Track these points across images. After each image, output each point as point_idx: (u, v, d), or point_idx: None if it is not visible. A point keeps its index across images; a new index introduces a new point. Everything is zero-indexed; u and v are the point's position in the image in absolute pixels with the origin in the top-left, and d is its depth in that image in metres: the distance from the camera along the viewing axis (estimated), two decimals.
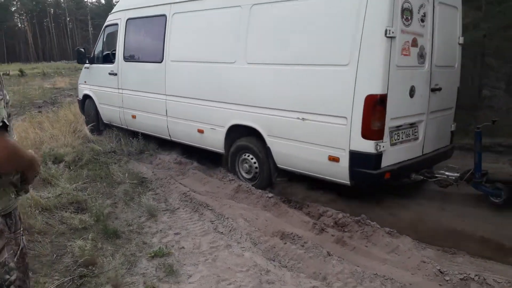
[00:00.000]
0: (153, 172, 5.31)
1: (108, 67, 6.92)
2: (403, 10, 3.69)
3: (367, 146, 3.69)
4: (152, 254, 3.16)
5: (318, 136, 4.04)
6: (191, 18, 5.32)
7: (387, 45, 3.56)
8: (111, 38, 7.18)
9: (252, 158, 4.82)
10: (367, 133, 3.67)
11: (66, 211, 3.92)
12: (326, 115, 3.93)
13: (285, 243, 3.25)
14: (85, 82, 7.97)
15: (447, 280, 2.70)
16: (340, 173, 3.92)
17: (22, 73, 28.24)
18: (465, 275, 2.69)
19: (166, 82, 5.71)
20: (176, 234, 3.58)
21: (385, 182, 3.94)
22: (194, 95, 5.31)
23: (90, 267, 2.95)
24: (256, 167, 4.80)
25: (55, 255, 3.17)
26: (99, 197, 4.39)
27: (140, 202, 4.23)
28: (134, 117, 6.55)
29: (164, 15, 5.66)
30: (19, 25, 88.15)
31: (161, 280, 2.83)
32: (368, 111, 3.63)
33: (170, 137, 6.02)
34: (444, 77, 4.38)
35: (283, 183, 4.65)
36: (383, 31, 3.50)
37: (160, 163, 5.81)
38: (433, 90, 4.23)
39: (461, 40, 4.68)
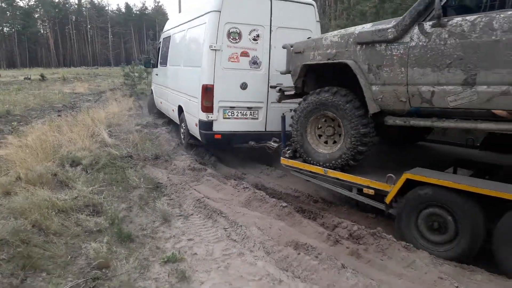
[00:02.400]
0: (168, 177, 5.34)
1: (155, 70, 10.69)
2: (230, 33, 5.85)
3: (203, 116, 6.01)
4: (165, 259, 3.16)
5: (193, 110, 6.46)
6: (173, 38, 8.57)
7: (212, 55, 5.82)
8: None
9: (183, 127, 7.33)
10: (202, 108, 5.99)
11: (82, 214, 3.95)
12: (194, 96, 6.36)
13: (299, 254, 3.21)
14: (152, 81, 11.74)
15: None
16: (198, 134, 6.26)
17: (43, 78, 28.91)
18: None
19: (168, 79, 8.85)
20: (189, 240, 3.57)
21: (220, 142, 6.12)
22: (173, 87, 8.24)
23: (103, 270, 2.96)
24: (182, 132, 7.56)
25: (69, 256, 3.18)
26: (114, 200, 4.42)
27: (155, 207, 4.25)
28: (161, 103, 9.94)
29: (169, 36, 8.96)
30: (42, 31, 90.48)
31: (173, 286, 2.82)
32: (202, 94, 5.95)
33: (169, 116, 9.24)
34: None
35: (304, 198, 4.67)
36: (209, 46, 5.79)
37: (175, 169, 5.85)
38: (272, 87, 5.73)
39: None
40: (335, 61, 4.11)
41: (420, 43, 3.42)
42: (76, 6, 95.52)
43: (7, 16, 79.85)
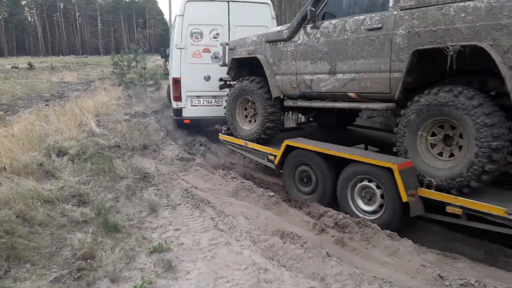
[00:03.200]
0: (156, 167, 5.32)
1: None
2: (192, 33, 6.88)
3: (174, 104, 7.17)
4: (151, 250, 3.16)
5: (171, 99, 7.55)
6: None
7: (178, 52, 6.93)
8: None
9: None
10: (174, 98, 7.15)
11: (67, 204, 3.92)
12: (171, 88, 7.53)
13: (285, 243, 3.23)
14: None
15: (447, 285, 2.66)
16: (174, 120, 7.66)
17: (30, 67, 28.49)
18: (465, 280, 2.65)
19: None
20: (176, 230, 3.57)
21: (190, 125, 7.43)
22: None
23: (88, 261, 2.95)
24: None
25: (54, 247, 3.17)
26: (101, 191, 4.40)
27: (142, 197, 4.24)
28: None
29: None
30: (29, 19, 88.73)
31: (159, 275, 2.83)
32: (173, 86, 7.15)
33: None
34: None
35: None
36: (175, 45, 6.97)
37: (163, 159, 5.83)
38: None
39: None
40: (251, 55, 5.07)
41: (304, 42, 4.39)
42: None
43: None
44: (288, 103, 4.76)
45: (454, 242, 3.44)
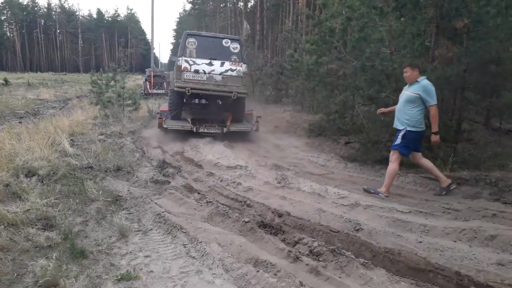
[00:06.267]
0: (128, 190, 5.18)
1: None
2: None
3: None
4: (119, 277, 3.03)
5: None
6: None
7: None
8: None
9: None
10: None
11: (33, 228, 3.75)
12: None
13: (258, 271, 3.15)
14: None
15: None
16: None
17: (6, 82, 27.82)
18: None
19: None
20: (146, 256, 3.45)
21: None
22: None
23: None
24: None
25: (15, 274, 3.01)
26: (70, 214, 4.25)
27: (112, 221, 4.09)
28: None
29: None
30: (8, 34, 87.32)
31: None
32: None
33: None
34: None
35: None
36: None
37: (137, 181, 5.69)
38: None
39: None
40: None
41: None
42: (45, 10, 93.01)
43: None
44: None
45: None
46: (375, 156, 6.82)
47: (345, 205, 4.67)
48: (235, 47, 9.79)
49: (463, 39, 6.42)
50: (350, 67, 8.00)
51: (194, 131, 9.38)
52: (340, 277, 3.19)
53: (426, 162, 5.20)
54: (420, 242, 3.64)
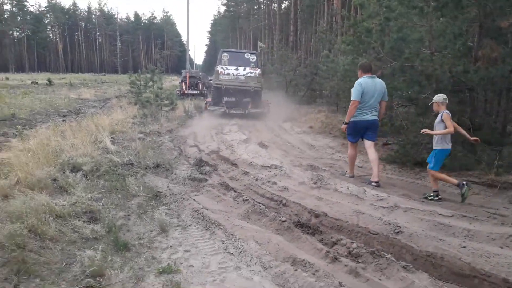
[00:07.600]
0: (168, 187, 5.31)
1: None
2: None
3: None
4: (160, 270, 3.12)
5: None
6: None
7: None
8: None
9: None
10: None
11: (79, 220, 3.92)
12: None
13: (296, 270, 3.16)
14: None
15: None
16: None
17: (50, 83, 29.15)
18: None
19: None
20: (186, 251, 3.53)
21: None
22: None
23: (97, 278, 2.92)
24: None
25: (64, 263, 3.15)
26: (112, 208, 4.40)
27: (153, 216, 4.21)
28: None
29: None
30: (51, 37, 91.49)
31: None
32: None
33: None
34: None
35: None
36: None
37: (176, 178, 5.82)
38: None
39: None
40: None
41: None
42: (86, 13, 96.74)
43: (17, 20, 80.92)
44: None
45: None
46: (415, 158, 6.65)
47: (384, 207, 4.59)
48: (253, 58, 15.15)
49: (508, 39, 6.17)
50: (388, 68, 7.85)
51: (227, 112, 14.05)
52: (380, 279, 3.14)
53: (371, 154, 5.91)
54: (464, 247, 3.53)
